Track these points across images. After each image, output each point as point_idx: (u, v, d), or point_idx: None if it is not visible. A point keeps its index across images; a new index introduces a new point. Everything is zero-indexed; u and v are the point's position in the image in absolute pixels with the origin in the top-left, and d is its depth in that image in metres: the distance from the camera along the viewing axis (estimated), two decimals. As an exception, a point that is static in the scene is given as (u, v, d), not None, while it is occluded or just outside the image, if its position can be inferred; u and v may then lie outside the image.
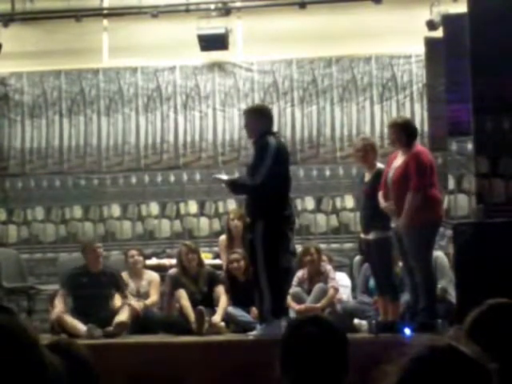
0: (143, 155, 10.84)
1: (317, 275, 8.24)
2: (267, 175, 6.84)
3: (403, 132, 7.11)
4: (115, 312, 7.92)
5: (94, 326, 7.62)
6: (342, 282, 8.38)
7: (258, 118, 7.17)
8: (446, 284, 7.81)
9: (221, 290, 8.14)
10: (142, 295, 8.46)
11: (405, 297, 7.45)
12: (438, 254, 7.85)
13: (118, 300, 8.14)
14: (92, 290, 8.03)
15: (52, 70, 10.94)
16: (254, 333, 6.99)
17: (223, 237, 8.96)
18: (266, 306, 6.88)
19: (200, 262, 8.29)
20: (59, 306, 8.00)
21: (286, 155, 7.24)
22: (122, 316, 7.84)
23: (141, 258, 8.69)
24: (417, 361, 1.71)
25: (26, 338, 1.54)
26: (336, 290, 8.12)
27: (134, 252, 8.70)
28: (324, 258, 8.58)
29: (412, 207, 6.84)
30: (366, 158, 7.50)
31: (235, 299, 8.07)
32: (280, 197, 7.04)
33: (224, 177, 7.49)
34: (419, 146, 7.27)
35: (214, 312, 7.90)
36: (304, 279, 8.27)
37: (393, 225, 7.13)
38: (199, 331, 7.55)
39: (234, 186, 7.32)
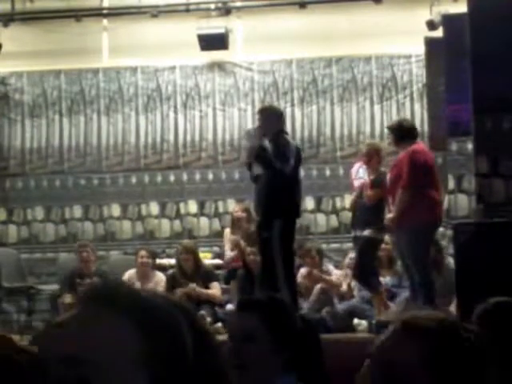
0: (143, 155, 10.84)
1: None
2: (290, 171, 6.96)
3: (398, 133, 7.19)
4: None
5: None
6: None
7: (274, 117, 7.24)
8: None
9: (215, 286, 8.17)
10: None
11: (404, 294, 7.47)
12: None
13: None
14: None
15: (52, 69, 10.94)
16: None
17: (228, 229, 9.02)
18: None
19: (196, 262, 8.28)
20: None
21: (300, 157, 7.34)
22: None
23: (149, 260, 8.72)
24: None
25: None
26: (339, 279, 8.19)
27: (143, 253, 8.73)
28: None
29: (400, 205, 6.89)
30: (370, 163, 7.59)
31: (250, 293, 8.03)
32: (294, 196, 7.13)
33: (254, 139, 7.27)
34: (418, 145, 7.24)
35: (214, 311, 7.90)
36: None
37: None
38: None
39: (260, 153, 7.09)
